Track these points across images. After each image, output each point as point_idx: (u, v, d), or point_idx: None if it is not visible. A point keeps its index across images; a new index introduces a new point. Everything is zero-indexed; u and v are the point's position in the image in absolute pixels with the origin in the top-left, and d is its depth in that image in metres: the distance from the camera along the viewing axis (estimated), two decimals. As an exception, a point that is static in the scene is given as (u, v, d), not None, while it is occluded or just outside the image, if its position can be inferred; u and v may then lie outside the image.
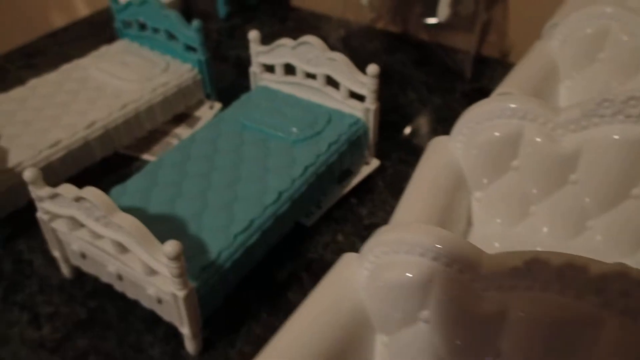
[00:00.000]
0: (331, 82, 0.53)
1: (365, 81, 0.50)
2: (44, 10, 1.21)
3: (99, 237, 0.38)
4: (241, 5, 0.87)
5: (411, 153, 0.58)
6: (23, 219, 0.49)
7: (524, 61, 0.50)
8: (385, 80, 0.69)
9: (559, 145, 0.35)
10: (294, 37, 0.79)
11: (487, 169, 0.38)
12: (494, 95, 0.45)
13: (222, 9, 0.83)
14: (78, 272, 0.45)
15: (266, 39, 0.76)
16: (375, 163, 0.55)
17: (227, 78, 0.70)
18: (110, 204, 0.35)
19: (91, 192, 0.36)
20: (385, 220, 0.50)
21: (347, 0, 0.77)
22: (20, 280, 0.45)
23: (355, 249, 0.48)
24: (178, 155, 0.49)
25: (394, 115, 0.64)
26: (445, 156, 0.39)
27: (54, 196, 0.38)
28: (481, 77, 0.70)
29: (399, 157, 0.58)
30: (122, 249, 0.37)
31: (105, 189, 0.53)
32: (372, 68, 0.50)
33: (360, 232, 0.50)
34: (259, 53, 0.56)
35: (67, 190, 0.37)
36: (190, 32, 0.58)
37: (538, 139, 0.36)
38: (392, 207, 0.52)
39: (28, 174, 0.38)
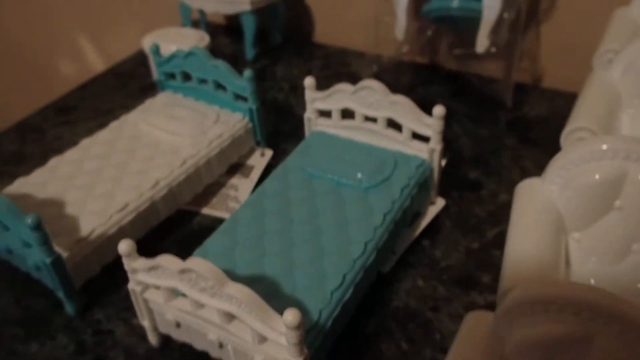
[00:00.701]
0: (391, 123, 0.53)
1: (431, 123, 0.50)
2: (61, 67, 1.21)
3: (201, 306, 0.38)
4: (266, 46, 0.87)
5: (470, 189, 0.58)
6: (96, 287, 0.48)
7: (586, 92, 0.51)
8: (426, 114, 0.70)
9: (665, 184, 0.35)
10: (326, 75, 0.80)
11: (587, 211, 0.38)
12: (571, 131, 0.46)
13: (249, 52, 0.83)
14: (165, 340, 0.44)
15: (298, 78, 0.76)
16: (440, 202, 0.55)
17: (269, 122, 0.69)
18: (219, 274, 0.35)
19: (198, 264, 0.35)
20: (460, 261, 0.50)
21: (377, 34, 0.77)
22: (104, 352, 0.44)
23: (437, 293, 0.48)
24: (252, 210, 0.48)
25: (445, 150, 0.64)
26: (541, 199, 0.39)
27: (152, 268, 0.37)
28: (521, 105, 0.71)
29: (460, 194, 0.57)
30: (230, 317, 0.36)
31: (171, 248, 0.53)
32: (438, 110, 0.50)
33: (438, 275, 0.49)
34: (315, 99, 0.56)
35: (169, 261, 0.36)
36: (242, 82, 0.58)
37: (642, 179, 0.36)
38: (464, 246, 0.51)
39: (123, 247, 0.38)
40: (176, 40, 0.75)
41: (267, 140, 0.63)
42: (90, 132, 0.68)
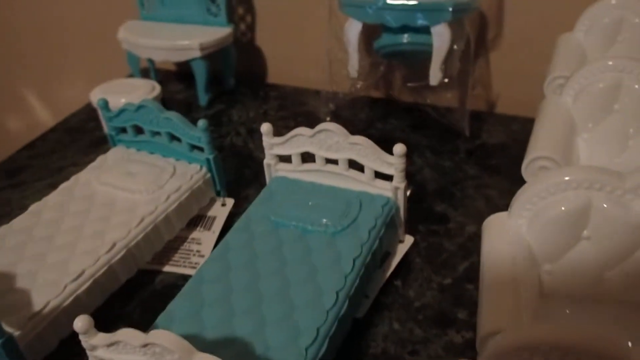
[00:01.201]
0: (352, 163, 0.53)
1: (393, 161, 0.50)
2: (7, 124, 1.17)
3: (168, 380, 0.35)
4: (220, 90, 0.86)
5: (437, 222, 0.57)
6: (55, 364, 0.45)
7: (542, 120, 0.51)
8: (387, 149, 0.69)
9: (631, 211, 0.35)
10: (282, 116, 0.79)
11: (557, 242, 0.37)
12: (532, 160, 0.45)
13: (202, 98, 0.82)
14: (132, 417, 0.41)
15: (255, 121, 0.75)
16: (409, 240, 0.54)
17: (228, 169, 0.68)
18: (185, 346, 0.32)
19: (162, 336, 0.33)
20: (434, 299, 0.49)
21: (331, 72, 0.77)
22: None
23: (414, 336, 0.46)
24: (217, 266, 0.46)
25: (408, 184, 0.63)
26: (510, 234, 0.38)
27: (112, 344, 0.35)
28: (479, 132, 0.71)
29: (427, 228, 0.57)
30: (201, 391, 0.34)
31: (134, 312, 0.50)
32: (399, 148, 0.49)
33: (414, 316, 0.48)
34: (273, 145, 0.55)
35: (130, 336, 0.34)
36: (197, 132, 0.56)
37: (608, 207, 0.35)
38: (436, 283, 0.50)
39: (79, 324, 0.35)
40: (126, 92, 0.73)
41: (228, 188, 0.61)
42: (40, 193, 0.65)
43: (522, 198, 0.38)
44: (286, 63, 0.89)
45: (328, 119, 0.77)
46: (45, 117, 1.15)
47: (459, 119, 0.72)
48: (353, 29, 0.69)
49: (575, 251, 0.38)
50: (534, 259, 0.38)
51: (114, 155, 0.62)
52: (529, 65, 0.73)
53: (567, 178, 0.36)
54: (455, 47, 0.67)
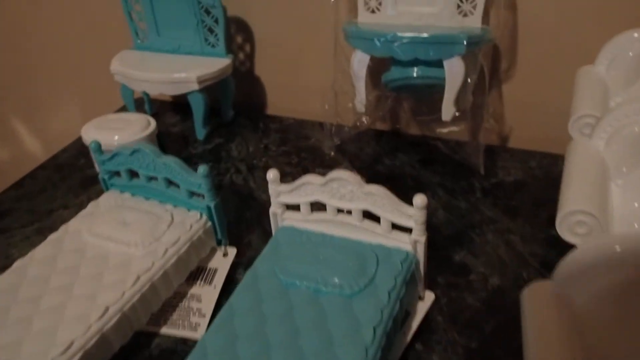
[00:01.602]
0: (366, 213, 0.48)
1: (412, 213, 0.46)
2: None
3: None
4: (218, 122, 0.82)
5: (457, 273, 0.53)
6: None
7: (573, 166, 0.47)
8: (397, 186, 0.65)
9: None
10: (284, 152, 0.75)
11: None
12: (567, 215, 0.41)
13: (200, 132, 0.78)
14: None
15: (255, 157, 0.71)
16: (429, 297, 0.50)
17: (229, 210, 0.63)
18: None
19: None
20: (460, 364, 0.45)
21: (336, 105, 0.73)
22: None
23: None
24: (221, 336, 0.41)
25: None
26: (555, 307, 0.34)
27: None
28: (494, 169, 0.67)
29: (447, 280, 0.53)
30: None
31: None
32: (420, 200, 0.45)
33: (439, 385, 0.44)
34: (280, 193, 0.50)
35: None
36: (197, 179, 0.52)
37: None
38: (462, 346, 0.46)
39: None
40: (119, 129, 0.69)
41: (229, 233, 0.57)
42: (27, 241, 0.61)
43: (566, 269, 0.34)
44: (287, 94, 0.85)
45: (332, 153, 0.73)
46: (35, 148, 1.11)
47: (472, 155, 0.68)
48: (361, 62, 0.65)
49: None
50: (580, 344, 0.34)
51: (107, 200, 0.57)
52: (545, 97, 0.69)
53: (617, 248, 0.32)
54: (469, 80, 0.63)
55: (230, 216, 0.62)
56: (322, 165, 0.71)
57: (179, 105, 0.87)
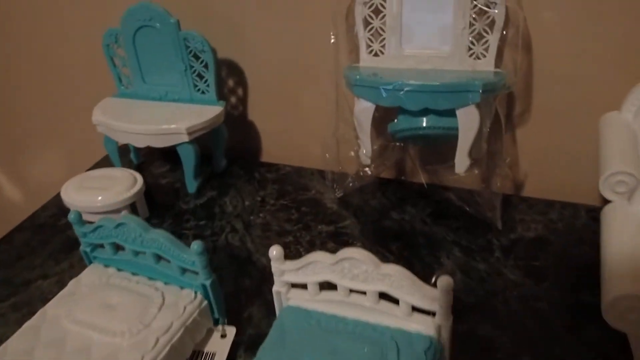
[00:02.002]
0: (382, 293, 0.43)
1: (436, 296, 0.40)
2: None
3: None
4: (210, 172, 0.77)
5: (483, 352, 0.48)
6: None
7: (612, 231, 0.42)
8: (408, 245, 0.60)
9: None
10: (283, 206, 0.69)
11: None
12: (618, 301, 0.36)
13: (191, 185, 0.72)
14: None
15: (252, 211, 0.66)
16: (456, 385, 0.44)
17: (225, 278, 0.58)
18: None
19: None
20: None
21: (338, 154, 0.68)
22: None
23: None
24: None
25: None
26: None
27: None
28: (512, 223, 0.62)
29: (470, 357, 0.47)
30: None
31: None
32: (445, 281, 0.39)
33: None
34: (285, 272, 0.45)
35: None
36: (190, 255, 0.46)
37: None
38: None
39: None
40: (101, 188, 0.63)
41: (226, 305, 0.51)
42: (2, 319, 0.55)
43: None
44: (283, 140, 0.80)
45: (335, 207, 0.68)
46: (16, 198, 1.04)
47: (487, 207, 0.63)
48: (365, 112, 0.60)
49: None
50: None
51: (89, 277, 0.51)
52: (563, 143, 0.65)
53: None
54: (484, 128, 0.58)
55: (227, 286, 0.56)
56: (325, 221, 0.65)
57: (168, 152, 0.82)
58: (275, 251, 0.44)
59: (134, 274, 0.51)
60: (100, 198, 0.62)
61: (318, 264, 0.43)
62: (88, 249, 0.52)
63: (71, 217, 0.51)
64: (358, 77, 0.59)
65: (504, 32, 0.59)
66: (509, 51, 0.60)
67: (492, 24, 0.59)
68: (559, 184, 0.66)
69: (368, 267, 0.42)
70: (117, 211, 0.63)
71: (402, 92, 0.56)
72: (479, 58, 0.60)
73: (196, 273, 0.48)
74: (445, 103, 0.56)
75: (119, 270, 0.52)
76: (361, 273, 0.42)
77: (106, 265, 0.52)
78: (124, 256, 0.51)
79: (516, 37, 0.58)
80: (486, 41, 0.59)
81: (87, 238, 0.51)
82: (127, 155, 0.81)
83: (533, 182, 0.68)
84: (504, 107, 0.60)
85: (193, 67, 0.70)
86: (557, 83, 0.62)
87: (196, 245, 0.45)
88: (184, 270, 0.48)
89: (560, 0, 0.58)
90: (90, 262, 0.53)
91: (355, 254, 0.42)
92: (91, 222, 0.51)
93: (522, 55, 0.59)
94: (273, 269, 0.45)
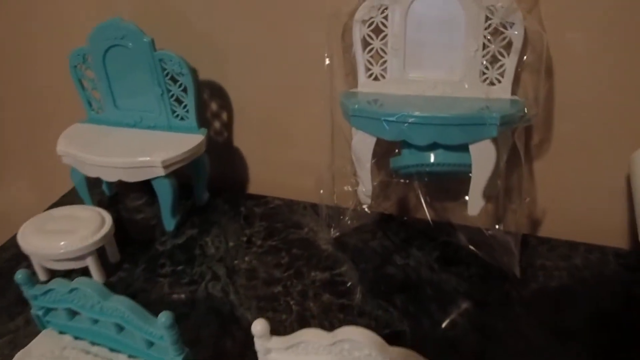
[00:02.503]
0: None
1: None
2: None
3: None
4: (191, 205, 0.69)
5: None
6: None
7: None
8: (414, 298, 0.53)
9: None
10: (272, 248, 0.61)
11: None
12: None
13: (168, 222, 0.64)
14: None
15: (237, 255, 0.59)
16: None
17: (204, 337, 0.50)
18: None
19: None
20: None
21: (333, 189, 0.61)
22: None
23: None
24: None
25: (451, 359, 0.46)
26: None
27: None
28: (532, 269, 0.55)
29: None
30: None
31: None
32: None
33: None
34: (271, 350, 0.37)
35: None
36: (157, 329, 0.38)
37: None
38: None
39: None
40: (64, 232, 0.55)
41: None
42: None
43: None
44: (272, 169, 0.72)
45: (330, 249, 0.60)
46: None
47: (503, 251, 0.55)
48: (364, 146, 0.52)
49: None
50: None
51: (41, 347, 0.44)
52: (588, 179, 0.57)
53: None
54: (500, 164, 0.51)
55: (205, 350, 0.49)
56: (319, 266, 0.58)
57: (143, 183, 0.74)
58: (259, 326, 0.37)
59: (93, 343, 0.43)
60: (62, 243, 0.54)
61: (311, 344, 0.36)
62: (40, 313, 0.44)
63: (18, 277, 0.43)
64: (356, 106, 0.51)
65: (523, 56, 0.52)
66: (527, 76, 0.53)
67: (508, 46, 0.52)
68: (583, 224, 0.58)
69: (372, 351, 0.34)
70: (82, 258, 0.55)
71: (406, 124, 0.49)
72: (493, 84, 0.53)
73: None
74: (457, 137, 0.49)
75: (76, 338, 0.44)
76: (363, 357, 0.35)
77: (61, 332, 0.44)
78: (81, 323, 0.43)
79: (537, 61, 0.51)
80: (502, 65, 0.52)
81: (39, 301, 0.44)
82: (99, 186, 0.73)
83: (553, 221, 0.61)
84: (522, 138, 0.53)
85: (170, 90, 0.62)
86: (581, 112, 0.54)
87: (164, 317, 0.38)
88: (151, 343, 0.41)
89: (585, 20, 0.51)
90: (44, 327, 0.45)
91: (356, 334, 0.34)
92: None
93: (542, 80, 0.51)
94: (257, 347, 0.37)
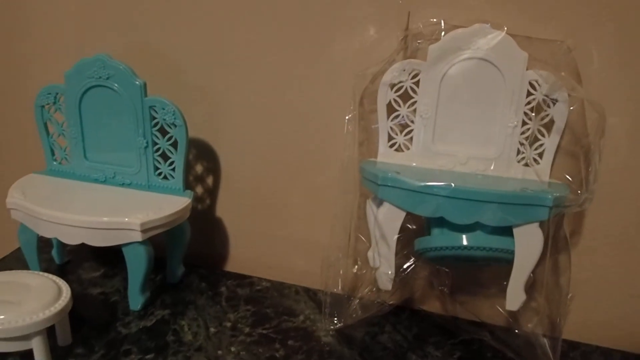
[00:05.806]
0: None
1: None
2: None
3: None
4: (161, 281, 0.58)
5: None
6: None
7: None
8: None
9: None
10: (265, 336, 0.51)
11: None
12: None
13: (136, 299, 0.53)
14: None
15: (219, 345, 0.50)
16: None
17: None
18: None
19: None
20: None
21: (330, 275, 0.53)
22: None
23: None
24: None
25: None
26: None
27: None
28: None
29: None
30: None
31: None
32: None
33: None
34: None
35: None
36: None
37: None
38: None
39: None
40: (10, 303, 0.43)
41: None
42: None
43: None
44: (259, 245, 0.63)
45: (332, 342, 0.51)
46: None
47: (532, 355, 0.48)
48: (392, 222, 0.45)
49: None
50: None
51: None
52: (632, 277, 0.52)
53: None
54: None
55: None
56: (321, 363, 0.48)
57: (105, 250, 0.62)
58: None
59: None
60: (3, 317, 0.42)
61: None
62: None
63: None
64: (389, 175, 0.45)
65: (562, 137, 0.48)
66: (566, 158, 0.49)
67: (549, 125, 0.48)
68: (624, 329, 0.53)
69: None
70: (27, 338, 0.43)
71: (446, 199, 0.43)
72: (527, 165, 0.48)
73: None
74: (505, 218, 0.43)
75: None
76: None
77: None
78: None
79: (576, 144, 0.47)
80: (541, 144, 0.48)
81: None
82: (47, 252, 0.61)
83: (584, 323, 0.54)
84: (566, 227, 0.47)
85: (157, 144, 0.54)
86: (627, 199, 0.50)
87: None
88: None
89: (628, 105, 0.48)
90: None
91: None
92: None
93: (591, 166, 0.47)
94: None
